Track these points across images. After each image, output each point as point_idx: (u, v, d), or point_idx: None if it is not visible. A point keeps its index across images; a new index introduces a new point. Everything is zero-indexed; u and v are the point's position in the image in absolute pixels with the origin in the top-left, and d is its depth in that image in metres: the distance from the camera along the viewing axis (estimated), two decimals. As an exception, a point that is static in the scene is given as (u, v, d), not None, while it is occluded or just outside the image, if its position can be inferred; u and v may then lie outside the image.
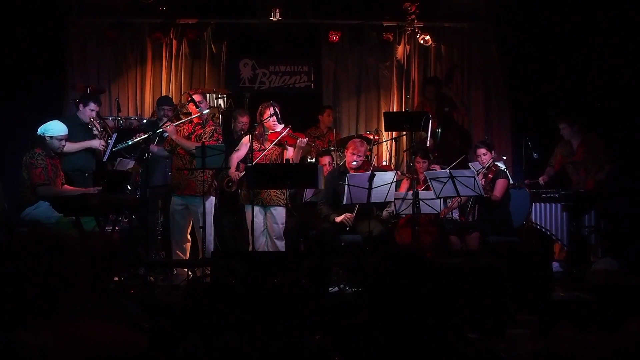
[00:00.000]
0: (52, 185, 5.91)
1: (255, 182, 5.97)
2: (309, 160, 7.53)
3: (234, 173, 6.53)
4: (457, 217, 6.84)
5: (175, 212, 6.47)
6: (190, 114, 6.63)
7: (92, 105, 6.65)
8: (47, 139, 5.96)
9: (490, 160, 6.70)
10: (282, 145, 6.39)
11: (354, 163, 6.46)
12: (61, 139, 6.02)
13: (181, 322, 4.46)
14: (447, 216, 6.75)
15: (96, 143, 6.56)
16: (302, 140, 6.28)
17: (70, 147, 6.36)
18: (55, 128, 6.01)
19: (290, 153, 6.39)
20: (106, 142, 6.64)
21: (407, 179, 6.91)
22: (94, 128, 6.66)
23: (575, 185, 7.32)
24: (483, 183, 6.38)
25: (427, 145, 7.48)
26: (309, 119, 8.39)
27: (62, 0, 8.55)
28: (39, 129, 6.00)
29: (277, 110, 6.36)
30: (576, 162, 7.37)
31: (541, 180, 7.39)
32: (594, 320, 4.87)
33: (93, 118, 6.64)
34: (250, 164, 6.14)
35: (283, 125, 6.36)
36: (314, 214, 6.94)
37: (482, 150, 6.76)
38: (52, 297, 1.76)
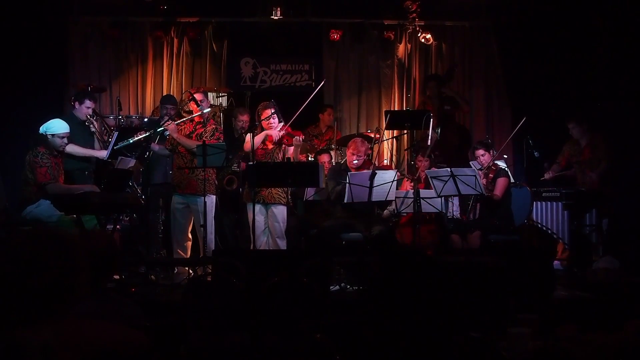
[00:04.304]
0: (58, 183, 5.96)
1: (256, 181, 5.97)
2: (309, 158, 7.54)
3: (276, 132, 6.32)
4: (459, 215, 6.84)
5: (176, 210, 6.47)
6: (191, 112, 6.63)
7: (88, 102, 6.64)
8: (49, 137, 5.98)
9: (490, 160, 6.71)
10: (280, 144, 6.41)
11: (355, 162, 6.48)
12: (63, 137, 6.04)
13: (182, 321, 4.46)
14: (448, 215, 6.76)
15: (103, 154, 6.51)
16: (297, 139, 6.30)
17: (76, 150, 6.40)
18: (57, 126, 6.03)
19: (291, 152, 6.41)
20: (104, 139, 6.65)
21: (408, 180, 6.91)
22: (92, 125, 6.66)
23: (580, 185, 7.33)
24: (484, 183, 6.38)
25: (429, 143, 7.46)
26: (310, 117, 8.37)
27: (63, -1, 8.57)
28: (41, 128, 6.02)
29: (277, 109, 6.37)
30: (582, 161, 7.38)
31: (546, 175, 7.39)
32: (595, 319, 4.87)
33: (89, 115, 6.64)
34: (252, 163, 6.14)
35: (282, 124, 6.37)
36: (315, 212, 6.95)
37: (480, 152, 6.79)
38: (53, 295, 1.76)
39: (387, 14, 9.01)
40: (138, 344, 1.94)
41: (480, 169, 6.61)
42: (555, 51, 8.46)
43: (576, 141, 7.48)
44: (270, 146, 6.40)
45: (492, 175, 6.67)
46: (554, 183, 7.44)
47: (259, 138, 6.28)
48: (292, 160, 6.33)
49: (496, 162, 6.91)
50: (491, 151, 6.82)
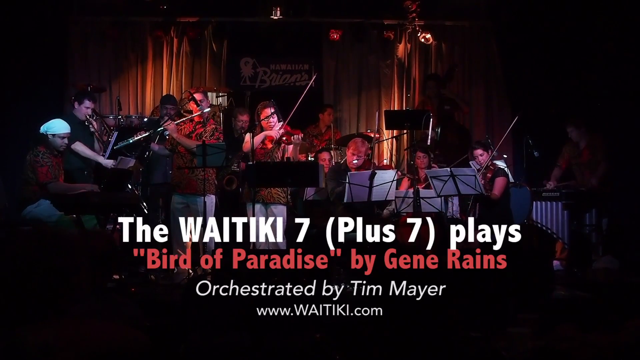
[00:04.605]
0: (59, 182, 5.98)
1: (256, 181, 5.97)
2: (309, 158, 7.54)
3: (275, 132, 6.33)
4: (459, 215, 6.84)
5: (176, 210, 6.47)
6: (191, 112, 6.64)
7: (87, 103, 6.64)
8: (50, 137, 5.99)
9: (489, 160, 6.71)
10: (278, 144, 6.41)
11: (355, 162, 6.49)
12: (63, 137, 6.06)
13: (182, 321, 4.46)
14: (448, 215, 6.75)
15: (109, 162, 6.48)
16: (297, 137, 6.29)
17: (82, 149, 6.40)
18: (57, 126, 6.04)
19: (290, 151, 6.41)
20: (104, 139, 6.66)
21: (408, 179, 6.91)
22: (90, 125, 6.66)
23: (580, 185, 7.33)
24: (483, 183, 6.39)
25: (429, 142, 7.47)
26: (310, 117, 8.38)
27: (62, -2, 8.57)
28: (42, 128, 6.03)
29: (276, 109, 6.37)
30: (581, 163, 7.39)
31: (547, 186, 7.36)
32: (594, 318, 4.87)
33: (89, 115, 6.64)
34: (252, 163, 6.14)
35: (281, 124, 6.37)
36: (315, 212, 6.94)
37: (479, 151, 6.80)
38: (53, 295, 1.76)
39: (387, 13, 9.01)
40: (138, 343, 1.94)
41: (478, 169, 6.61)
42: (555, 51, 8.46)
43: (575, 143, 7.48)
44: (270, 146, 6.41)
45: (490, 175, 6.67)
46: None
47: (258, 138, 6.28)
48: (291, 159, 6.33)
49: (495, 161, 6.91)
50: (490, 151, 6.82)
